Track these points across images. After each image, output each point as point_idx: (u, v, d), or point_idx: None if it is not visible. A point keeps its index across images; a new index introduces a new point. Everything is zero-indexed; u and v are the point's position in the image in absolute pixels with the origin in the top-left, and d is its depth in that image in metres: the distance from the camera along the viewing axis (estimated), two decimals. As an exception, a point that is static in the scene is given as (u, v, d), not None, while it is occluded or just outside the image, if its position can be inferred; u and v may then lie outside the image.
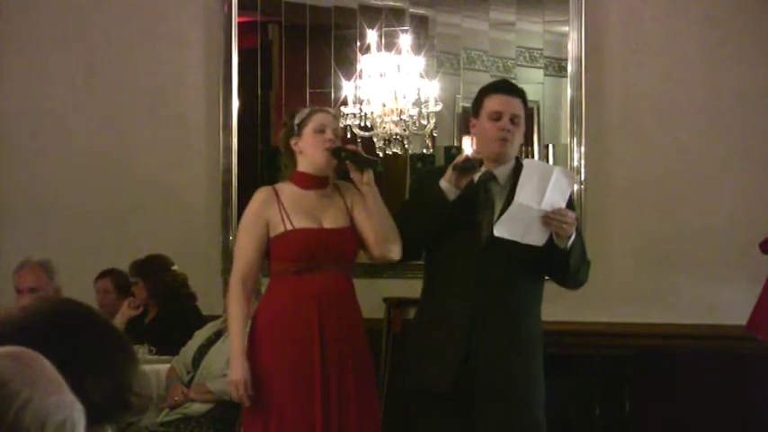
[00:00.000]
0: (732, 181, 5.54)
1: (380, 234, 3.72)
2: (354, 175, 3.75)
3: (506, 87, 3.76)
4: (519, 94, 3.73)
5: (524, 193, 3.42)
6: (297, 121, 3.79)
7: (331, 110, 4.03)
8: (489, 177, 3.65)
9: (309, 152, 3.77)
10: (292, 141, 3.80)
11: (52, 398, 1.24)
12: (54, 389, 1.25)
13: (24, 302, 1.51)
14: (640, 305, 5.54)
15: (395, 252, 3.75)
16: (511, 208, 3.44)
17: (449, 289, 3.65)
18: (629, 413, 5.39)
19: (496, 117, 3.63)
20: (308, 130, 3.76)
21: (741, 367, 5.30)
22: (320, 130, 3.75)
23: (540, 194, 3.41)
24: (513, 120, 3.64)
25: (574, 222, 3.47)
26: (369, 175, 3.73)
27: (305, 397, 3.63)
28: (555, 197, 3.43)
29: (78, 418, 1.26)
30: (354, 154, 3.77)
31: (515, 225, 3.43)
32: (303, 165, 3.81)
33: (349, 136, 5.22)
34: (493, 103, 3.66)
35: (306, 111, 3.81)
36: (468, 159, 3.55)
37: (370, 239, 3.75)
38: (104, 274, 5.63)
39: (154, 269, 5.41)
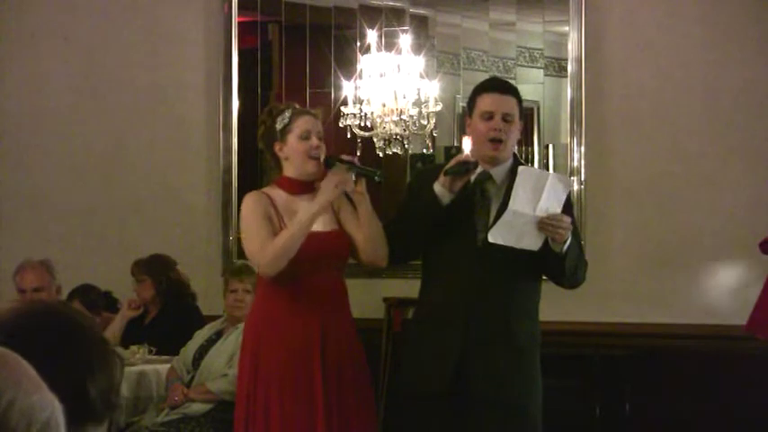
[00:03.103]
0: (732, 181, 5.54)
1: (370, 242, 3.70)
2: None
3: (497, 86, 3.71)
4: (511, 91, 3.68)
5: (518, 201, 3.40)
6: (279, 126, 3.70)
7: (311, 110, 3.89)
8: (485, 177, 3.64)
9: (297, 160, 3.71)
10: (276, 147, 3.73)
11: (35, 396, 1.24)
12: (35, 388, 1.25)
13: (12, 304, 1.51)
14: (640, 305, 5.54)
15: (382, 259, 3.74)
16: (505, 215, 3.42)
17: (445, 290, 3.64)
18: (629, 413, 5.39)
19: (488, 117, 3.60)
20: (292, 138, 3.69)
21: (741, 367, 5.30)
22: (305, 137, 3.71)
23: (535, 201, 3.39)
24: (505, 118, 3.59)
25: (569, 227, 3.45)
26: (362, 185, 3.69)
27: (307, 402, 3.62)
28: (550, 203, 3.41)
29: (60, 416, 1.27)
30: (351, 164, 3.69)
31: (509, 231, 3.42)
32: (290, 170, 3.74)
33: (349, 136, 5.23)
34: (484, 102, 3.63)
35: (286, 114, 3.72)
36: (459, 163, 3.53)
37: (358, 245, 3.73)
38: (71, 295, 5.43)
39: (161, 268, 5.41)
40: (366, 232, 3.70)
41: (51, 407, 1.25)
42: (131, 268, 5.47)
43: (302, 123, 3.71)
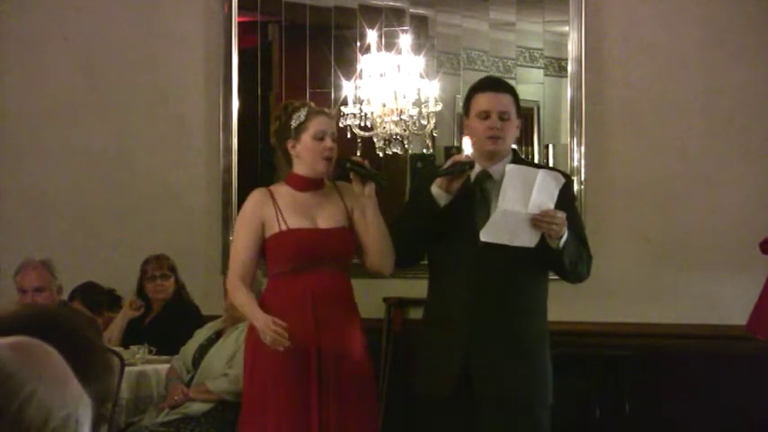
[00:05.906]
0: (732, 181, 5.53)
1: (376, 248, 3.72)
2: (356, 185, 3.72)
3: (492, 85, 3.74)
4: (506, 89, 3.70)
5: (508, 199, 3.39)
6: (294, 124, 3.74)
7: (327, 110, 3.95)
8: (485, 177, 3.64)
9: (308, 159, 3.74)
10: (289, 144, 3.76)
11: (57, 391, 1.19)
12: (60, 382, 1.20)
13: (14, 307, 1.47)
14: (640, 305, 5.53)
15: (387, 267, 3.77)
16: (494, 215, 3.42)
17: (448, 290, 3.64)
18: (629, 413, 5.39)
19: (485, 116, 3.62)
20: (306, 137, 3.72)
21: (741, 367, 5.30)
22: (319, 138, 3.73)
23: (526, 198, 3.38)
24: (501, 117, 3.61)
25: (563, 223, 3.44)
26: (370, 188, 3.71)
27: (302, 399, 3.62)
28: (542, 199, 3.41)
29: (84, 414, 1.22)
30: (360, 166, 3.72)
31: (502, 230, 3.41)
32: (300, 168, 3.78)
33: (349, 136, 5.22)
34: (480, 102, 3.64)
35: (302, 112, 3.75)
36: (454, 163, 3.54)
37: (365, 250, 3.76)
38: (73, 295, 5.43)
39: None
40: (372, 236, 3.72)
41: (75, 403, 1.21)
42: (149, 264, 5.43)
43: (317, 123, 3.73)
